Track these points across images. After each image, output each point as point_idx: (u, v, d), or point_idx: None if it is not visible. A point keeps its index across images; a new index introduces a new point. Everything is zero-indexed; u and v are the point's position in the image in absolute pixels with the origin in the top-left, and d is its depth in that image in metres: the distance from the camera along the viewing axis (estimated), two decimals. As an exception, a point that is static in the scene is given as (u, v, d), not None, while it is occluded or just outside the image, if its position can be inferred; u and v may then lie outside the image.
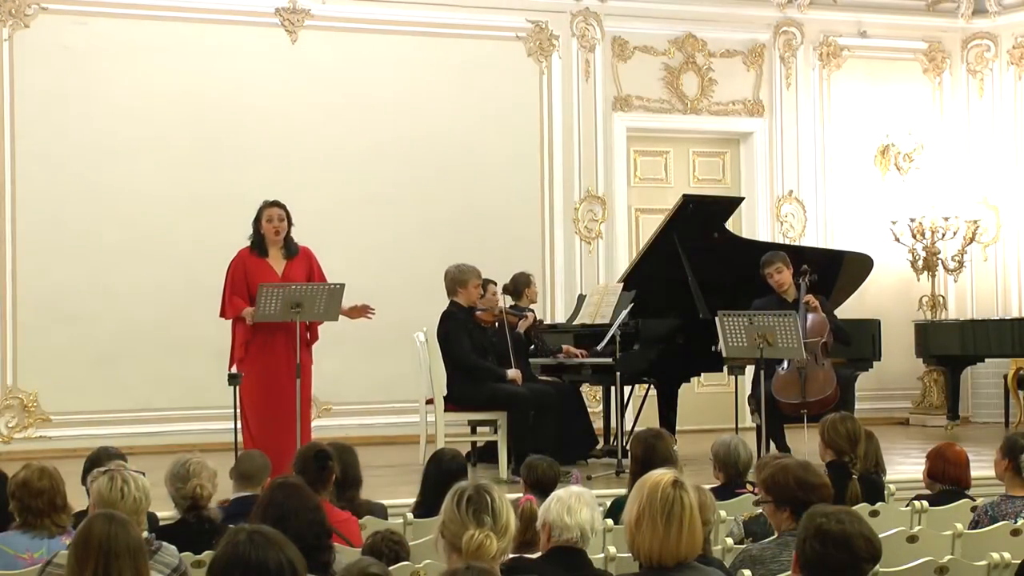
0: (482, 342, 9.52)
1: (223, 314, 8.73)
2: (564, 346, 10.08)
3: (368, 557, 4.16)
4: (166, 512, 5.78)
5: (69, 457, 8.87)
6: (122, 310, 11.19)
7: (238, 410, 8.35)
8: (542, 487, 5.77)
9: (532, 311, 10.43)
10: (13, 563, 4.71)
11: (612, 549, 4.85)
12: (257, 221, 8.67)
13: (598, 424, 10.57)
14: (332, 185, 11.73)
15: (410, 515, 5.79)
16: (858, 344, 10.12)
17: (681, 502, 3.76)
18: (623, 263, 12.17)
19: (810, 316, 9.49)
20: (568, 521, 4.11)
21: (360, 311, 8.82)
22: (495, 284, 9.97)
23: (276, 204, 8.68)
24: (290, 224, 8.69)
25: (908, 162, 13.52)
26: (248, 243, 8.71)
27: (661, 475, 3.84)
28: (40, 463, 5.06)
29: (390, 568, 4.12)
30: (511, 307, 10.12)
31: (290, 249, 8.69)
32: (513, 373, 9.37)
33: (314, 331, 8.76)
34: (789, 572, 4.08)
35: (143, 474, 4.75)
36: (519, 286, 10.50)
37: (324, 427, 11.20)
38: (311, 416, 8.83)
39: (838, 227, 13.41)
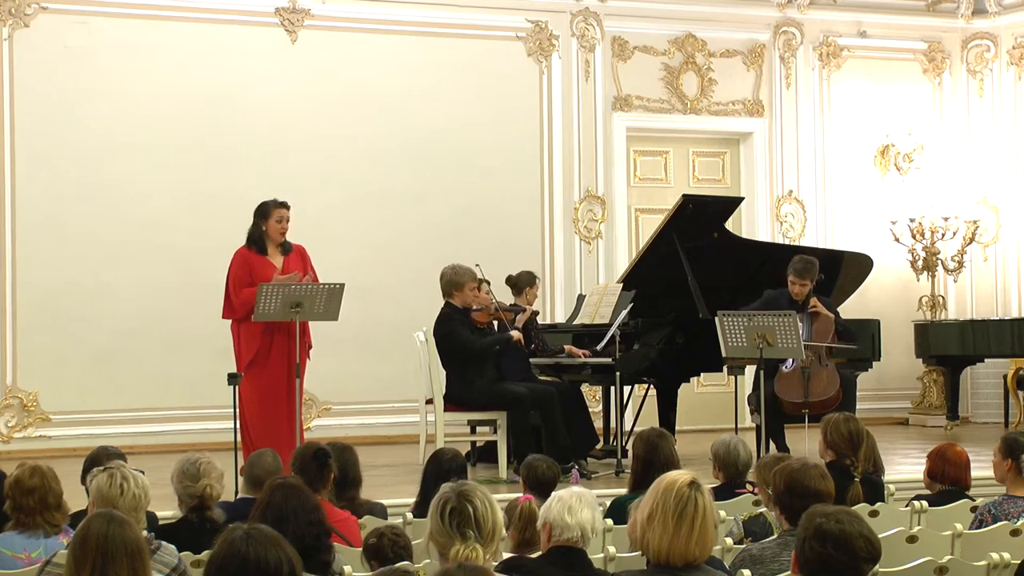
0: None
1: (227, 314, 8.73)
2: (567, 346, 10.06)
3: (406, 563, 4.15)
4: (166, 512, 5.78)
5: (69, 457, 8.88)
6: (122, 310, 11.18)
7: (238, 410, 8.35)
8: (542, 487, 5.77)
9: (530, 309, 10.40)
10: (11, 563, 4.71)
11: (612, 549, 4.86)
12: (263, 218, 8.73)
13: (598, 424, 10.56)
14: (332, 184, 11.72)
15: (410, 515, 5.81)
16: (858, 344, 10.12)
17: (695, 503, 3.77)
18: (623, 263, 12.17)
19: (816, 317, 9.50)
20: (569, 521, 4.12)
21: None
22: (488, 283, 9.93)
23: (286, 205, 8.84)
24: None
25: (908, 162, 13.51)
26: (245, 240, 8.75)
27: (679, 475, 3.87)
28: (34, 462, 5.06)
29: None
30: (511, 305, 10.08)
31: (284, 246, 8.85)
32: (515, 335, 9.35)
33: (307, 336, 8.79)
34: (789, 572, 4.08)
35: (142, 473, 4.75)
36: (521, 283, 10.38)
37: (324, 427, 11.23)
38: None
39: (838, 227, 13.40)
